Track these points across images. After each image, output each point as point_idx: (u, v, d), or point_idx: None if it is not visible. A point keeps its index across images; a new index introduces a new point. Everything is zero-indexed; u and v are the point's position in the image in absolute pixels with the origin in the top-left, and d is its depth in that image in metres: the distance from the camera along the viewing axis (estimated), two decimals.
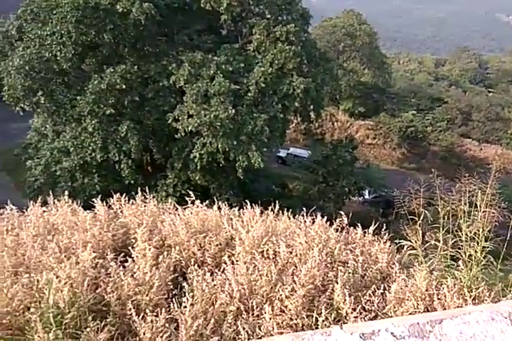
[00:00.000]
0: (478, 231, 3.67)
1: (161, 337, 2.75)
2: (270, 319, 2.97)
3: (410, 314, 3.27)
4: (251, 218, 4.29)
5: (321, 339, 2.35)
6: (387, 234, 4.35)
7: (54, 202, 4.34)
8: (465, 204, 3.83)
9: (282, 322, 3.00)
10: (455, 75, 71.38)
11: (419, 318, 2.59)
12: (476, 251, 3.64)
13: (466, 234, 3.74)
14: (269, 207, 4.72)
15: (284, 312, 3.08)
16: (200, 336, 2.83)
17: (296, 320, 3.04)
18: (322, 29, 46.36)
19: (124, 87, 15.53)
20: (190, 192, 4.75)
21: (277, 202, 4.83)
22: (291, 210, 4.87)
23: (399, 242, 4.27)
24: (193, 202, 4.59)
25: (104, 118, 15.70)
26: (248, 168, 16.54)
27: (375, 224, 4.43)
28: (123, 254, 3.60)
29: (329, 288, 3.36)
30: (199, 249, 3.83)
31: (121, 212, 4.40)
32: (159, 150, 17.69)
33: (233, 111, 15.67)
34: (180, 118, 16.01)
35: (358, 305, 3.19)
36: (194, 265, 3.55)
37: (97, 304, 3.01)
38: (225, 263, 3.59)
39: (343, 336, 2.37)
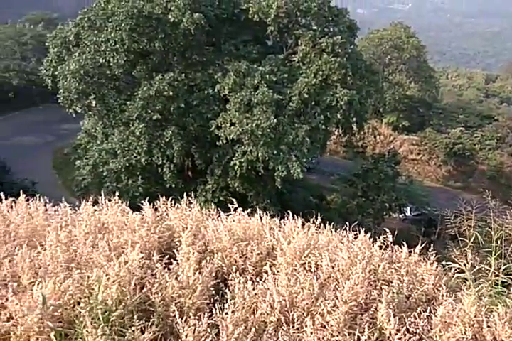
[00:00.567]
0: None
1: None
2: (311, 333, 2.93)
3: (457, 340, 3.13)
4: (292, 229, 4.29)
5: None
6: (433, 255, 4.20)
7: (104, 202, 4.52)
8: None
9: (323, 338, 2.95)
10: (507, 92, 68.09)
11: None
12: None
13: None
14: (310, 219, 4.69)
15: (325, 327, 3.03)
16: None
17: (337, 336, 2.98)
18: (368, 41, 45.87)
19: (171, 93, 16.06)
20: (230, 199, 4.81)
21: (315, 214, 4.80)
22: (328, 223, 4.81)
23: (446, 264, 4.12)
24: (235, 210, 4.64)
25: (150, 123, 16.29)
26: (286, 178, 16.52)
27: (416, 243, 4.30)
28: (168, 256, 3.69)
29: (372, 307, 3.28)
30: (240, 257, 3.85)
31: (166, 214, 4.52)
32: (200, 156, 18.07)
33: (275, 120, 15.77)
34: (222, 125, 16.31)
35: (402, 327, 3.09)
36: (235, 272, 3.57)
37: (142, 304, 3.09)
38: (266, 272, 3.59)
39: None
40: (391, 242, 4.27)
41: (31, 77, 37.31)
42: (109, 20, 16.38)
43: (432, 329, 3.23)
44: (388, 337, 3.05)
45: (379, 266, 3.78)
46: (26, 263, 3.29)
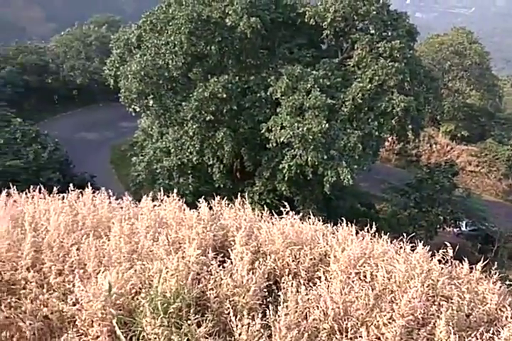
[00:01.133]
0: None
1: None
2: None
3: None
4: (346, 236, 4.22)
5: None
6: (496, 273, 3.97)
7: (162, 198, 4.69)
8: None
9: None
10: None
11: None
12: None
13: None
14: (361, 227, 4.61)
15: (380, 339, 2.95)
16: None
17: None
18: (428, 46, 44.12)
19: (224, 96, 16.37)
20: (276, 202, 4.84)
21: (363, 222, 4.69)
22: (376, 233, 4.69)
23: (510, 284, 3.88)
24: (287, 213, 4.65)
25: (203, 123, 16.70)
26: (335, 184, 16.26)
27: (471, 260, 4.09)
28: (222, 255, 3.76)
29: (430, 323, 3.15)
30: (293, 261, 3.84)
31: (221, 214, 4.61)
32: (250, 158, 18.25)
33: (327, 125, 15.59)
34: (273, 128, 16.37)
35: None
36: (288, 275, 3.57)
37: (197, 299, 3.17)
38: (319, 278, 3.55)
39: None
40: (451, 257, 4.10)
41: (94, 76, 39.62)
42: (170, 23, 17.00)
43: None
44: None
45: (438, 280, 3.64)
46: (92, 252, 3.49)
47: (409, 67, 18.12)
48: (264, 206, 5.65)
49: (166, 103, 17.15)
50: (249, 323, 2.87)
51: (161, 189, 4.81)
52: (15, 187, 4.65)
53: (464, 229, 25.56)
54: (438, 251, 4.06)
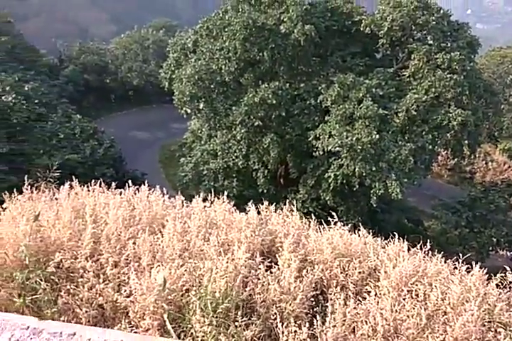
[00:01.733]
0: None
1: None
2: None
3: None
4: (397, 252, 4.09)
5: None
6: None
7: (212, 200, 4.77)
8: None
9: None
10: None
11: None
12: None
13: None
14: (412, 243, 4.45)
15: None
16: None
17: None
18: (488, 59, 42.00)
19: (274, 102, 16.45)
20: (319, 211, 4.77)
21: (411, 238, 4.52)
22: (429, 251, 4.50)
23: None
24: (335, 223, 4.59)
25: (251, 128, 16.85)
26: (382, 197, 15.79)
27: None
28: (269, 260, 3.76)
29: None
30: (341, 272, 3.77)
31: (269, 219, 4.62)
32: (295, 165, 18.17)
33: (377, 136, 15.20)
34: (321, 136, 16.21)
35: None
36: (336, 287, 3.51)
37: (244, 302, 3.19)
38: (368, 293, 3.46)
39: None
40: (510, 282, 3.86)
41: (149, 78, 41.26)
42: (225, 29, 17.37)
43: None
44: None
45: (495, 306, 3.44)
46: (147, 247, 3.61)
47: (468, 79, 17.33)
48: (307, 214, 5.60)
49: (216, 107, 17.50)
50: (295, 331, 2.85)
51: (210, 190, 4.89)
52: (76, 180, 4.89)
53: None
54: (490, 275, 3.86)
